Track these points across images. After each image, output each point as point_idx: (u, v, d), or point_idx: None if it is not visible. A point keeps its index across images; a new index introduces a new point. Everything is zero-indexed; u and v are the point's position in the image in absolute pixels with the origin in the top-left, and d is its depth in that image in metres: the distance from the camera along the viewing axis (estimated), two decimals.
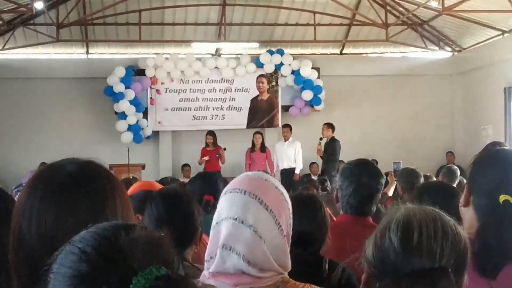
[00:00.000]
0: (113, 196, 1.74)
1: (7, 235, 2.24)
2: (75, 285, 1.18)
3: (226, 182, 5.26)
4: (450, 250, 1.74)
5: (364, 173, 3.92)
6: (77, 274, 1.18)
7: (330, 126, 14.92)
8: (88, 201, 1.69)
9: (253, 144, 16.01)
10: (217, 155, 16.07)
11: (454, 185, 7.05)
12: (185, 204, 3.15)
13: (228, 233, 2.03)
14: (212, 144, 16.17)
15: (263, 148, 16.01)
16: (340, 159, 14.55)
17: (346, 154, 14.41)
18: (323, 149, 14.78)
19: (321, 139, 14.86)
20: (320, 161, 15.85)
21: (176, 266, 1.26)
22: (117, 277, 1.16)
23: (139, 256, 1.19)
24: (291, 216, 2.16)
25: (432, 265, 1.72)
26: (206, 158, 16.00)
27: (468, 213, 2.45)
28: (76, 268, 1.19)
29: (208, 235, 2.21)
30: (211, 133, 16.34)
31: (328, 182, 13.49)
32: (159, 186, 5.08)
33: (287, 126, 16.37)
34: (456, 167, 8.47)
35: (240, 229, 2.02)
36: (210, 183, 4.86)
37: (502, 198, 2.28)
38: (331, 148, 14.67)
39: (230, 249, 2.01)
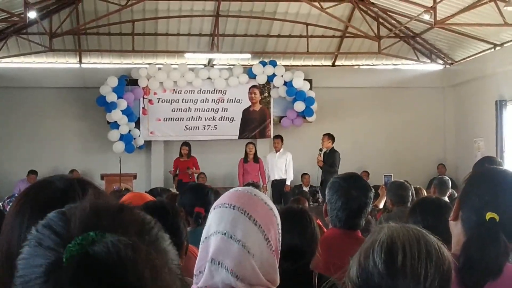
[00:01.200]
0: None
1: None
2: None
3: (217, 193, 5.29)
4: (434, 271, 1.75)
5: (353, 187, 3.93)
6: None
7: (330, 137, 14.88)
8: None
9: (246, 155, 15.99)
10: (190, 176, 16.01)
11: (446, 197, 7.08)
12: (170, 218, 3.16)
13: (216, 247, 2.04)
14: (186, 155, 16.17)
15: (256, 158, 15.99)
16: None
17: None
18: (323, 160, 14.74)
19: (321, 150, 14.82)
20: (314, 172, 15.89)
21: (153, 238, 1.13)
22: (52, 246, 1.06)
23: (79, 222, 1.08)
24: (280, 231, 2.17)
25: (417, 287, 1.74)
26: (177, 172, 16.13)
27: (456, 228, 2.47)
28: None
29: (198, 247, 2.22)
30: (186, 144, 16.38)
31: (320, 193, 13.51)
32: (149, 197, 5.09)
33: (278, 137, 16.36)
34: (448, 179, 8.46)
35: (229, 244, 2.03)
36: (201, 195, 4.88)
37: (488, 215, 2.30)
38: (331, 159, 14.63)
39: (218, 264, 2.02)
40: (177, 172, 16.11)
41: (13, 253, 1.65)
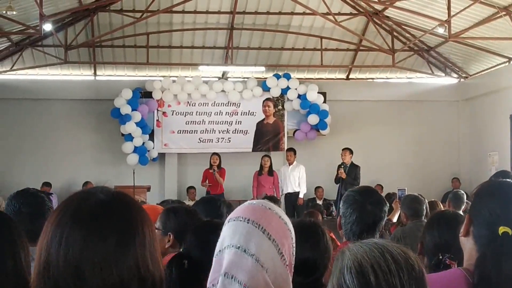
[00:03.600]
0: (142, 228, 1.73)
1: (11, 260, 2.25)
2: None
3: (229, 206, 5.28)
4: (408, 277, 1.76)
5: (368, 200, 3.90)
6: None
7: (351, 151, 14.94)
8: (118, 230, 1.68)
9: (261, 167, 15.94)
10: (214, 176, 15.75)
11: (461, 211, 7.04)
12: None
13: (230, 261, 2.02)
14: (216, 166, 15.93)
15: (271, 171, 15.92)
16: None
17: None
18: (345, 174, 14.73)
19: (342, 164, 14.82)
20: (328, 185, 15.89)
21: None
22: None
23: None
24: (294, 245, 2.16)
25: None
26: (209, 184, 15.80)
27: (468, 244, 2.45)
28: None
29: None
30: (217, 154, 16.15)
31: (334, 206, 13.49)
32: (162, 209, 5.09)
33: (291, 150, 16.33)
34: (462, 192, 8.45)
35: (242, 257, 2.01)
36: (213, 208, 4.87)
37: (501, 230, 2.28)
38: (353, 173, 14.72)
39: (232, 278, 2.00)
40: (207, 183, 15.93)
41: (52, 262, 1.65)
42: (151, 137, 17.33)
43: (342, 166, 14.81)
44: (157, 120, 17.48)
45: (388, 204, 4.11)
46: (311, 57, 18.29)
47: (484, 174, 15.21)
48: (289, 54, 18.42)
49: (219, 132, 17.74)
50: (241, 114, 17.83)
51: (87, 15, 16.48)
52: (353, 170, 14.78)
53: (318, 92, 17.67)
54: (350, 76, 19.33)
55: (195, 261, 2.89)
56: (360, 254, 1.80)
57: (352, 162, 14.92)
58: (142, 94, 17.27)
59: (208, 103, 17.66)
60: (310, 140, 17.81)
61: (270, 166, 15.92)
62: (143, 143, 17.08)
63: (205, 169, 16.13)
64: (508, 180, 2.58)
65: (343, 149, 15.05)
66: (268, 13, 16.94)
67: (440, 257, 3.03)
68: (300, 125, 17.82)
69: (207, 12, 16.83)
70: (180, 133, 17.61)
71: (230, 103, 17.72)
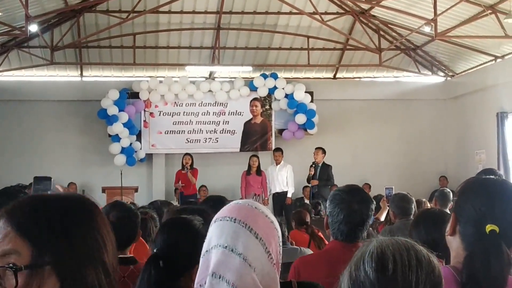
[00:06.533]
0: (107, 226, 1.71)
1: None
2: None
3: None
4: (426, 277, 1.75)
5: (355, 199, 3.89)
6: None
7: (324, 151, 15.03)
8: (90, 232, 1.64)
9: (249, 167, 15.90)
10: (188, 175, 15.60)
11: (447, 209, 7.05)
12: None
13: (217, 261, 2.01)
14: (189, 166, 15.64)
15: (259, 171, 15.88)
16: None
17: (339, 178, 14.43)
18: (315, 173, 14.84)
19: (313, 163, 14.91)
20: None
21: None
22: None
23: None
24: (281, 244, 2.16)
25: None
26: (182, 185, 15.64)
27: (454, 242, 2.44)
28: None
29: None
30: (189, 155, 15.91)
31: (322, 206, 13.51)
32: None
33: (278, 150, 16.31)
34: (449, 191, 8.45)
35: (230, 257, 2.00)
36: (221, 207, 4.83)
37: (488, 228, 2.27)
38: (326, 173, 14.79)
39: (219, 277, 1.99)
40: (180, 183, 15.81)
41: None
42: (139, 138, 17.30)
43: (313, 165, 14.88)
44: (144, 121, 17.44)
45: (374, 202, 4.11)
46: (298, 56, 18.30)
47: (471, 172, 15.20)
48: (276, 54, 18.42)
49: (207, 132, 17.71)
50: (229, 114, 17.81)
51: (73, 16, 16.44)
52: (325, 170, 14.88)
53: (305, 92, 17.68)
54: (337, 75, 19.35)
55: (170, 260, 2.87)
56: (386, 243, 1.81)
57: (324, 162, 15.00)
58: (129, 94, 17.23)
59: (195, 103, 17.64)
60: (298, 140, 17.81)
61: (258, 166, 15.88)
62: (131, 144, 17.04)
63: (178, 170, 16.03)
64: (491, 176, 2.57)
65: (316, 148, 15.19)
66: (254, 12, 16.94)
67: None
68: (288, 125, 17.82)
69: (193, 12, 16.81)
70: (167, 133, 17.58)
71: (218, 103, 17.70)
